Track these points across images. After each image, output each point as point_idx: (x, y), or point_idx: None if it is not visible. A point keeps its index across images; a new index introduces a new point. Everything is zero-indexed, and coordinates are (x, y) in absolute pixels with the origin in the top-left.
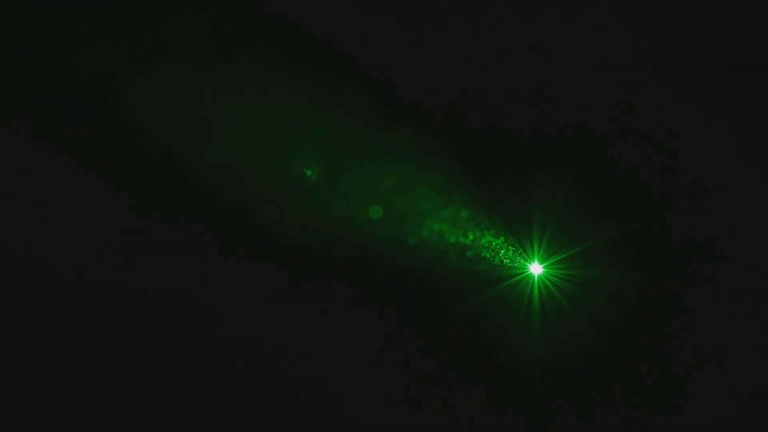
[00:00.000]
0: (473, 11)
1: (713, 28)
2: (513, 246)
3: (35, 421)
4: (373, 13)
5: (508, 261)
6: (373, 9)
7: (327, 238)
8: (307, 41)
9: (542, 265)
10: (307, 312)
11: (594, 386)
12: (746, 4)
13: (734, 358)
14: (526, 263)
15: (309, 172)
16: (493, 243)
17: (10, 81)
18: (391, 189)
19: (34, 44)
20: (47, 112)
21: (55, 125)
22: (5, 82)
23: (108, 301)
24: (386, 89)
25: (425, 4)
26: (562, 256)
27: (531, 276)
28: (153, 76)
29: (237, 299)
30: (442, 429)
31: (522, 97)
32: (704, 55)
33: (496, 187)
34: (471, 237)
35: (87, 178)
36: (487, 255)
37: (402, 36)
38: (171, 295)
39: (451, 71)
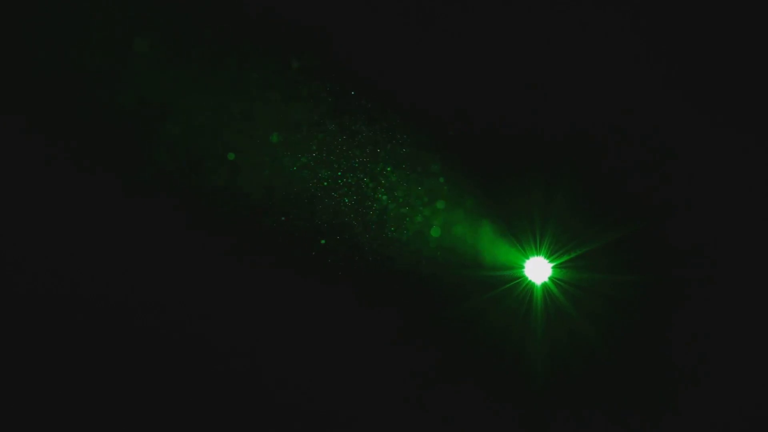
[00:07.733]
0: (474, 13)
1: (712, 29)
2: (514, 249)
3: (35, 421)
4: (372, 13)
5: (508, 264)
6: (372, 9)
7: (327, 239)
8: (307, 42)
9: (543, 268)
10: (306, 312)
11: (595, 388)
12: (746, 4)
13: (734, 360)
14: (527, 266)
15: (309, 173)
16: (494, 246)
17: (9, 81)
18: (391, 190)
19: (34, 44)
20: (47, 111)
21: (55, 125)
22: (5, 81)
23: (107, 302)
24: (386, 90)
25: (425, 6)
26: (564, 259)
27: (532, 279)
28: (152, 77)
29: (237, 299)
30: (441, 429)
31: (522, 100)
32: (704, 57)
33: (497, 190)
34: (472, 240)
35: (85, 178)
36: (488, 258)
37: (402, 37)
38: (170, 296)
39: (452, 73)
